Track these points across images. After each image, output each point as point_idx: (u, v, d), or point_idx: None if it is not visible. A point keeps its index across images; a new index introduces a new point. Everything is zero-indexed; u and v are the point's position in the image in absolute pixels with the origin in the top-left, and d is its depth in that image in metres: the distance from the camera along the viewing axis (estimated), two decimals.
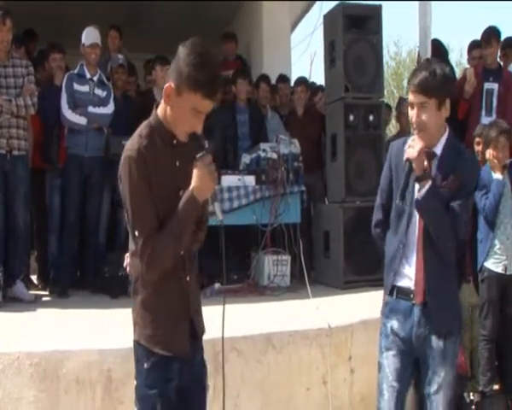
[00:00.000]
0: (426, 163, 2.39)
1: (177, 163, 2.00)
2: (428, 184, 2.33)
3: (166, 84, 1.90)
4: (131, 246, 2.00)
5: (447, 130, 2.46)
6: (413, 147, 2.35)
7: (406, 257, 2.45)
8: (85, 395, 3.13)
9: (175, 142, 1.98)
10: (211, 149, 2.00)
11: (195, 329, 2.07)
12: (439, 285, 2.41)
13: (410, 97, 2.39)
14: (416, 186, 2.40)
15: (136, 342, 2.03)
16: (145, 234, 1.90)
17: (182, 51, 1.88)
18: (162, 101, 1.96)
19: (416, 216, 2.42)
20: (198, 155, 1.92)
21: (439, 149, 2.43)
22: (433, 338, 2.40)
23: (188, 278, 2.04)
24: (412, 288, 2.43)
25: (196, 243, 2.12)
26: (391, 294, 2.51)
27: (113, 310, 4.02)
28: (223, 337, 2.11)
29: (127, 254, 2.11)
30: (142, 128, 1.98)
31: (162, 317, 2.00)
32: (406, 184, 2.36)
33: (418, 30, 5.71)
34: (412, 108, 2.40)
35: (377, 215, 2.65)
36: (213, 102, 1.92)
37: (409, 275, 2.45)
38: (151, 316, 1.99)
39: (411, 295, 2.43)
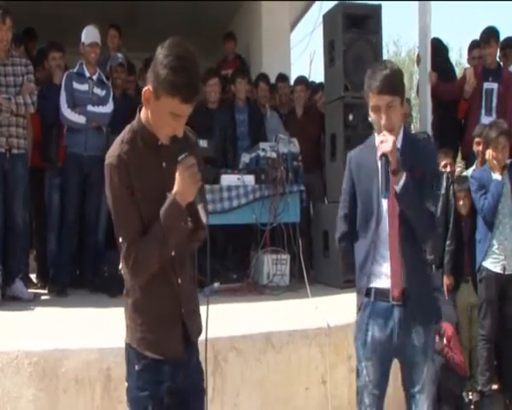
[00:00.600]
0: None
1: (164, 164, 1.97)
2: (404, 175, 2.33)
3: (145, 88, 1.87)
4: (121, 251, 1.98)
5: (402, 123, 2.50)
6: (386, 141, 2.33)
7: (380, 255, 2.44)
8: (84, 394, 3.13)
9: (160, 143, 1.96)
10: (194, 145, 1.97)
11: (188, 332, 2.02)
12: (418, 279, 2.42)
13: (375, 100, 2.37)
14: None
15: (128, 345, 2.02)
16: (129, 239, 1.88)
17: (160, 53, 1.83)
18: (144, 105, 1.93)
19: (386, 214, 2.42)
20: (180, 158, 1.88)
21: (399, 143, 2.44)
22: (415, 336, 2.41)
23: (179, 281, 2.01)
24: (389, 287, 2.41)
25: (196, 243, 2.10)
26: (368, 295, 2.47)
27: (112, 309, 4.01)
28: (206, 339, 2.05)
29: None
30: (125, 133, 1.96)
31: (153, 320, 1.98)
32: (387, 177, 2.33)
33: (418, 29, 5.73)
34: (377, 110, 2.38)
35: (342, 227, 2.61)
36: (192, 105, 1.87)
37: (385, 272, 2.43)
38: (141, 319, 1.98)
39: (390, 296, 2.41)
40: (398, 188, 2.33)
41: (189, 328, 2.03)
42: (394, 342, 2.42)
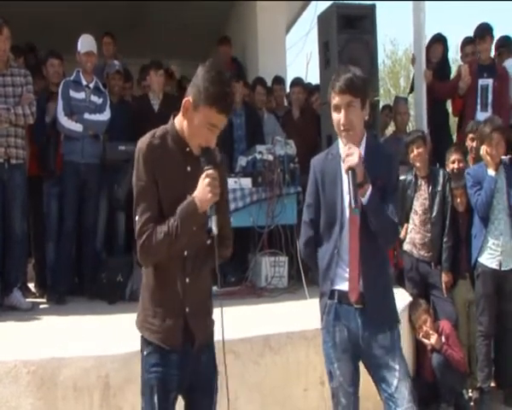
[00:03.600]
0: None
1: (189, 168, 2.10)
2: (370, 187, 2.37)
3: (185, 99, 2.04)
4: None
5: (365, 131, 2.54)
6: (352, 154, 2.36)
7: (343, 260, 2.48)
8: (83, 401, 3.13)
9: (188, 149, 2.10)
10: (221, 164, 2.14)
11: (191, 330, 2.11)
12: (378, 284, 2.48)
13: (336, 100, 2.43)
14: (345, 189, 2.44)
15: (141, 336, 2.16)
16: (144, 219, 2.03)
17: (201, 69, 2.04)
18: (179, 114, 2.10)
19: (347, 221, 2.46)
20: (206, 168, 2.03)
21: (362, 150, 2.49)
22: (381, 337, 2.44)
23: (187, 280, 2.10)
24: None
25: (220, 259, 2.16)
26: (332, 298, 2.51)
27: (111, 316, 4.04)
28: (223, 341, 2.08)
29: None
30: (158, 129, 2.12)
31: (154, 306, 2.11)
32: (355, 191, 2.35)
33: (412, 27, 5.73)
34: (338, 110, 2.43)
35: (308, 232, 2.63)
36: (227, 117, 2.06)
37: (347, 276, 2.47)
38: (145, 303, 2.13)
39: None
40: (364, 200, 2.38)
41: (193, 327, 2.10)
42: (361, 344, 2.47)
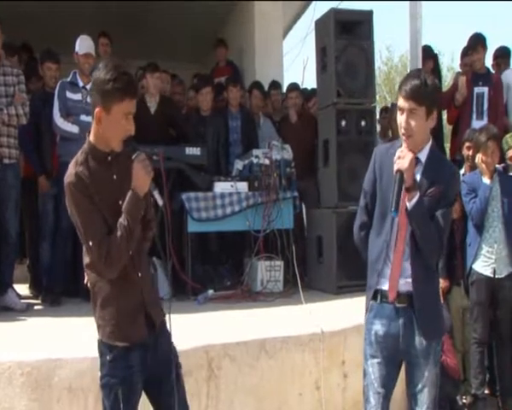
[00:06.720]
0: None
1: (114, 177, 2.25)
2: (418, 194, 2.38)
3: (96, 110, 2.15)
4: (85, 260, 2.22)
5: (430, 139, 2.52)
6: (403, 158, 2.37)
7: (389, 257, 2.49)
8: (78, 403, 3.12)
9: (109, 158, 2.24)
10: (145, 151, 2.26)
11: (153, 320, 2.30)
12: (425, 289, 2.47)
13: (401, 102, 2.43)
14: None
15: (100, 341, 2.27)
16: (98, 240, 2.13)
17: (98, 75, 2.14)
18: (93, 127, 2.21)
19: (397, 220, 2.46)
20: (133, 156, 2.20)
21: (423, 157, 2.48)
22: (417, 339, 2.45)
23: (139, 274, 2.28)
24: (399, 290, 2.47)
25: (146, 242, 2.38)
26: (375, 298, 2.54)
27: None
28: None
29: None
30: (78, 156, 2.22)
31: (119, 313, 2.23)
32: (399, 194, 2.36)
33: (409, 32, 5.75)
34: (402, 113, 2.43)
35: (362, 217, 2.67)
36: (137, 99, 2.20)
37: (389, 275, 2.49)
38: (109, 314, 2.23)
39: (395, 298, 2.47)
40: (409, 205, 2.37)
41: (153, 315, 2.31)
42: (400, 343, 2.48)
